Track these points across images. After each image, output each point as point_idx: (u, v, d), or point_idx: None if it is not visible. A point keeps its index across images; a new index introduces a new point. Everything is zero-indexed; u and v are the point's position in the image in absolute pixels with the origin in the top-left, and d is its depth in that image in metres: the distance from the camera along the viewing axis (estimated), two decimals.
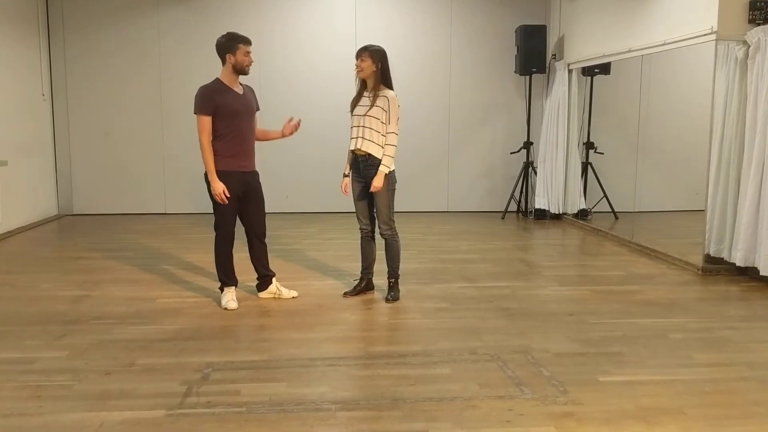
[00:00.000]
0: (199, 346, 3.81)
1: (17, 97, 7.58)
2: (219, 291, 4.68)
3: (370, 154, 4.53)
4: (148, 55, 8.53)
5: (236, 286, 4.71)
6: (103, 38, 8.45)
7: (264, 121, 4.85)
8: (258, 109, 4.70)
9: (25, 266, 5.88)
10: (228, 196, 4.38)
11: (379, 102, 4.49)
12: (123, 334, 4.00)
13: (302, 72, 8.69)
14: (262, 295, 4.82)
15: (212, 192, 4.40)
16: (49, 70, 8.39)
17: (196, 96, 4.38)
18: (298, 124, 4.73)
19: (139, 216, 8.60)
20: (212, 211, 4.55)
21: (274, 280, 4.83)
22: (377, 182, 4.51)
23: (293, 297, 4.82)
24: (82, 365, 3.51)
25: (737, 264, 5.35)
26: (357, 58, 4.51)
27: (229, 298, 4.59)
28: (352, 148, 4.61)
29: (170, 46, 8.52)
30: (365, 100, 4.56)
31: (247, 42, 4.43)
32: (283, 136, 4.75)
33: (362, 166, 4.61)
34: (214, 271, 4.71)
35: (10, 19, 7.42)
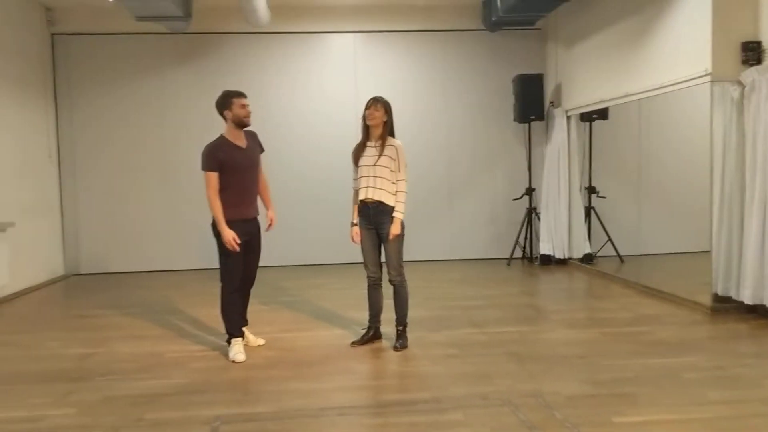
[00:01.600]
0: (208, 399, 3.78)
1: (23, 159, 7.69)
2: (226, 344, 4.67)
3: (381, 202, 4.60)
4: (153, 116, 8.69)
5: (243, 338, 4.70)
6: (109, 101, 8.62)
7: (268, 167, 4.94)
8: (263, 150, 4.84)
9: (32, 326, 5.87)
10: (239, 242, 4.46)
11: (388, 151, 4.59)
12: (130, 390, 3.97)
13: (303, 127, 8.82)
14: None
15: (223, 240, 4.46)
16: (56, 132, 8.54)
17: (202, 154, 4.53)
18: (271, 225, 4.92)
19: (147, 273, 8.61)
20: (218, 265, 4.60)
21: (244, 328, 4.86)
22: (395, 229, 4.59)
23: (259, 345, 4.85)
24: (90, 422, 3.48)
25: (746, 302, 5.32)
26: (369, 108, 4.61)
27: (237, 350, 4.57)
28: (363, 198, 4.66)
29: (175, 107, 8.68)
30: (371, 150, 4.63)
31: (240, 95, 4.59)
32: (267, 210, 4.91)
33: (373, 213, 4.66)
34: (221, 325, 4.71)
35: (17, 84, 7.58)
